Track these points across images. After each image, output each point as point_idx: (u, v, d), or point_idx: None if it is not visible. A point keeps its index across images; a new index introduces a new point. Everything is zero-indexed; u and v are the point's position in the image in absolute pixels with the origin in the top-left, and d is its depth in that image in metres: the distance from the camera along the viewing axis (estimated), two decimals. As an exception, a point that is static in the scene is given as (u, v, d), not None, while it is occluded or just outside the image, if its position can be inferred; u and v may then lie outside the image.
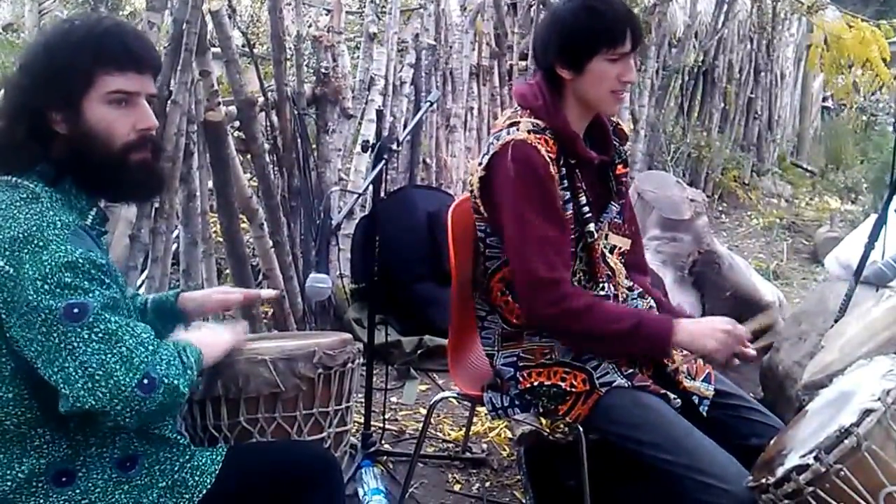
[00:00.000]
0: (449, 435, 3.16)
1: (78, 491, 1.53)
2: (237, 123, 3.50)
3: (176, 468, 1.63)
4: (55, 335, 1.41)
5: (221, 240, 3.47)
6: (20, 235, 1.44)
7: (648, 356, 2.11)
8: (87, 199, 1.60)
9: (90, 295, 1.43)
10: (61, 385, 1.42)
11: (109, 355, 1.41)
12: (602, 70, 2.03)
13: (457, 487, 2.81)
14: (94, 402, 1.41)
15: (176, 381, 1.48)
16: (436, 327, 3.70)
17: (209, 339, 1.70)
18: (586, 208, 2.11)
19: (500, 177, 2.03)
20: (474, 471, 2.91)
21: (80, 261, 1.44)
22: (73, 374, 1.41)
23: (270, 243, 3.53)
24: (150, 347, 1.46)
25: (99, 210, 1.63)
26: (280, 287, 3.56)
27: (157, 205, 2.94)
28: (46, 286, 1.41)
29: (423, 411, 3.16)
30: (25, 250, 1.43)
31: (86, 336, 1.41)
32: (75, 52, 1.53)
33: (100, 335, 1.42)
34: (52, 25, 1.63)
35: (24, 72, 1.56)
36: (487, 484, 2.84)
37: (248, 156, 3.57)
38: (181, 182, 3.02)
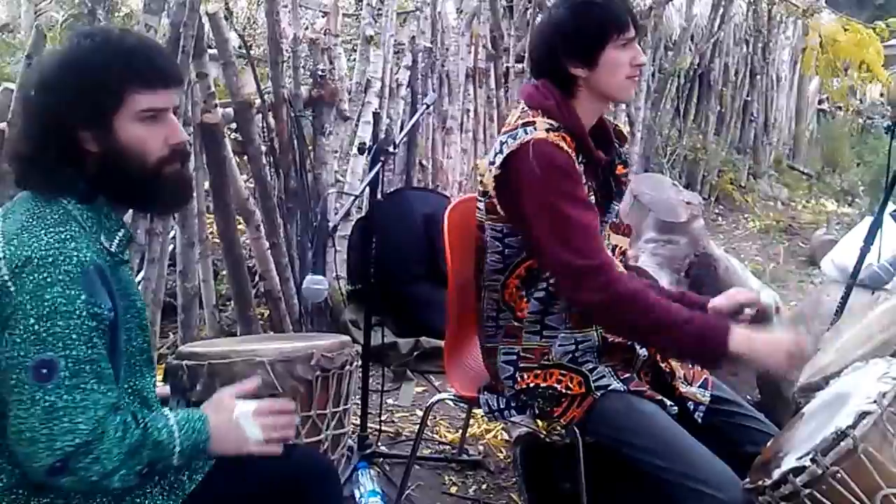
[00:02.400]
0: (445, 437, 3.16)
1: (59, 496, 1.52)
2: (234, 125, 3.51)
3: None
4: (13, 376, 1.42)
5: (218, 241, 3.47)
6: (35, 259, 1.43)
7: (698, 357, 2.01)
8: (116, 219, 1.60)
9: (67, 351, 1.42)
10: (5, 413, 1.45)
11: (40, 427, 1.41)
12: (615, 58, 2.05)
13: (453, 490, 2.80)
14: (12, 451, 1.46)
15: (93, 478, 1.45)
16: (432, 329, 3.69)
17: (230, 434, 1.61)
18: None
19: (524, 176, 1.99)
20: (471, 473, 2.90)
21: (77, 311, 1.43)
22: (11, 419, 1.43)
23: (267, 245, 3.53)
24: (77, 440, 1.42)
25: (126, 232, 1.62)
26: (276, 287, 3.56)
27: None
28: (37, 327, 1.41)
29: (420, 413, 3.15)
30: (32, 277, 1.42)
31: (36, 398, 1.42)
32: (105, 71, 1.50)
33: (45, 405, 1.41)
34: (71, 41, 1.57)
35: (48, 91, 1.52)
36: (484, 486, 2.84)
37: (245, 157, 3.58)
38: (178, 184, 3.01)
